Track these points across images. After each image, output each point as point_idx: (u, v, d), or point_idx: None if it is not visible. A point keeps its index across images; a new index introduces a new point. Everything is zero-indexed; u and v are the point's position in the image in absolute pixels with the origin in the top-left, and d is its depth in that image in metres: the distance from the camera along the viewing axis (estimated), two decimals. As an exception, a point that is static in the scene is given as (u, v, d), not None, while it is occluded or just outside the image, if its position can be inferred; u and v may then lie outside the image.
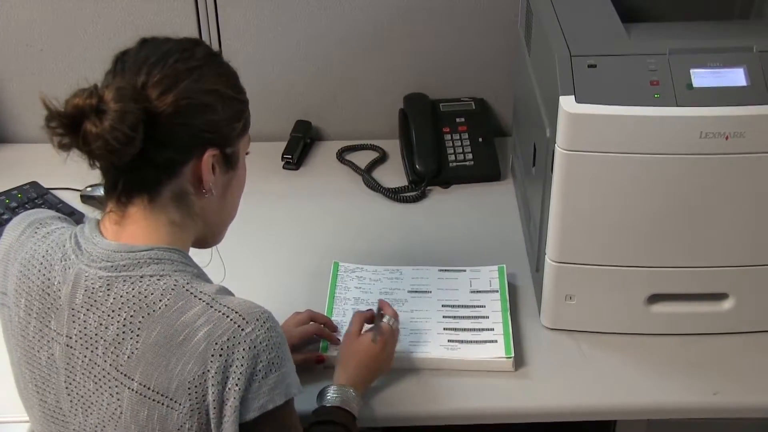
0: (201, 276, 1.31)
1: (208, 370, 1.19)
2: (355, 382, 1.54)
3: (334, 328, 1.73)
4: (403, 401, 1.61)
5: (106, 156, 1.20)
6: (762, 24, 1.80)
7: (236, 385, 1.19)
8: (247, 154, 1.42)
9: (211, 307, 1.22)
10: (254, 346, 1.20)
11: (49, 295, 1.28)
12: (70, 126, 1.18)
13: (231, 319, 1.20)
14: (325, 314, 1.77)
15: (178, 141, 1.26)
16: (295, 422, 1.29)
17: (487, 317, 1.75)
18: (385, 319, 1.64)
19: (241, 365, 1.19)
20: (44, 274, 1.29)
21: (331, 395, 1.51)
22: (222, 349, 1.19)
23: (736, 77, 1.52)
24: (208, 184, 1.30)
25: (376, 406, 1.60)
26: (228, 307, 1.22)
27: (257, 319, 1.21)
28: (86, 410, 1.28)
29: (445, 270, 1.88)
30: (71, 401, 1.29)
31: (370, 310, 1.69)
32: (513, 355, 1.65)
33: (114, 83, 1.22)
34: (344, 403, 1.49)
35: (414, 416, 1.61)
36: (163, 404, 1.21)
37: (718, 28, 1.74)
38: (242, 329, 1.20)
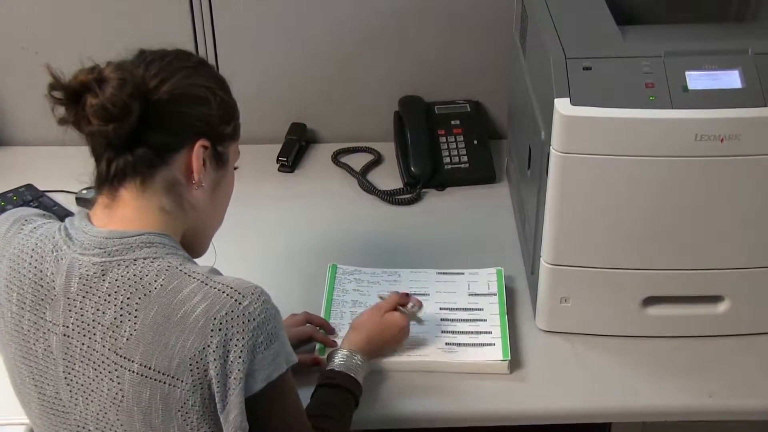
0: (190, 261, 1.33)
1: (209, 345, 1.20)
2: (363, 349, 1.59)
3: (331, 331, 1.74)
4: (399, 403, 1.61)
5: (102, 129, 1.24)
6: (757, 26, 1.80)
7: (239, 357, 1.21)
8: (235, 168, 1.45)
9: (206, 284, 1.24)
10: (253, 319, 1.22)
11: (42, 287, 1.29)
12: (72, 97, 1.24)
13: (227, 295, 1.22)
14: (322, 316, 1.77)
15: (172, 126, 1.31)
16: (295, 388, 1.33)
17: (485, 320, 1.75)
18: (409, 305, 1.71)
19: (242, 338, 1.21)
20: (36, 267, 1.30)
21: (339, 360, 1.56)
22: (221, 323, 1.21)
23: (731, 79, 1.52)
24: (198, 174, 1.33)
25: (372, 408, 1.59)
26: (223, 284, 1.24)
27: (252, 293, 1.24)
28: (87, 398, 1.29)
29: (444, 273, 1.88)
30: (71, 391, 1.30)
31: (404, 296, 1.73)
32: (510, 358, 1.65)
33: (114, 63, 1.29)
34: (349, 369, 1.54)
35: (410, 418, 1.61)
36: (165, 383, 1.22)
37: (713, 30, 1.74)
38: (240, 303, 1.22)
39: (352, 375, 1.54)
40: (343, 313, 1.78)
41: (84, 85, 1.24)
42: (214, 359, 1.20)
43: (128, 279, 1.25)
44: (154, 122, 1.28)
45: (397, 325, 1.65)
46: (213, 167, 1.37)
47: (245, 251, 1.96)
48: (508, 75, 2.16)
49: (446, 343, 1.70)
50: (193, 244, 1.42)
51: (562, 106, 1.51)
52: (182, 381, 1.21)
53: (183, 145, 1.32)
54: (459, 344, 1.70)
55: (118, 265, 1.26)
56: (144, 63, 1.31)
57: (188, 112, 1.32)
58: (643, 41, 1.61)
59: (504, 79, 2.23)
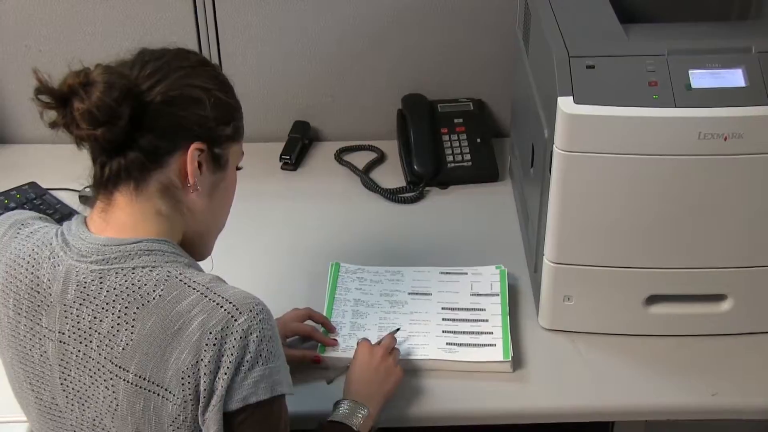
0: (193, 266, 1.31)
1: (201, 360, 1.19)
2: (363, 397, 1.51)
3: (332, 329, 1.73)
4: (400, 402, 1.61)
5: (91, 134, 1.22)
6: (760, 25, 1.80)
7: (225, 374, 1.19)
8: (239, 169, 1.43)
9: (206, 296, 1.22)
10: (245, 336, 1.20)
11: (38, 293, 1.29)
12: (60, 101, 1.22)
13: (225, 309, 1.21)
14: (324, 314, 1.76)
15: (166, 129, 1.27)
16: (280, 422, 1.27)
17: (487, 320, 1.75)
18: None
19: (232, 354, 1.19)
20: (32, 272, 1.29)
21: (340, 410, 1.48)
22: (216, 338, 1.19)
23: (734, 78, 1.52)
24: (192, 177, 1.30)
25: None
26: (222, 297, 1.22)
27: (250, 310, 1.22)
28: (82, 404, 1.28)
29: (447, 273, 1.88)
30: (67, 397, 1.29)
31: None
32: (511, 358, 1.65)
33: (103, 65, 1.26)
34: (345, 419, 1.46)
35: (411, 417, 1.61)
36: (158, 395, 1.21)
37: (716, 28, 1.74)
38: (235, 319, 1.20)
39: (346, 424, 1.45)
40: (344, 311, 1.78)
41: (71, 89, 1.21)
42: (205, 374, 1.19)
43: (126, 288, 1.24)
44: (148, 124, 1.25)
45: (397, 376, 1.59)
46: (210, 170, 1.33)
47: (248, 249, 1.96)
48: (512, 73, 2.15)
49: (447, 343, 1.70)
50: (194, 248, 1.39)
51: (565, 104, 1.51)
52: (174, 394, 1.21)
53: (177, 147, 1.29)
54: (460, 344, 1.70)
55: (116, 273, 1.25)
56: (140, 63, 1.29)
57: (182, 114, 1.28)
58: (646, 40, 1.61)
59: (507, 78, 2.23)
